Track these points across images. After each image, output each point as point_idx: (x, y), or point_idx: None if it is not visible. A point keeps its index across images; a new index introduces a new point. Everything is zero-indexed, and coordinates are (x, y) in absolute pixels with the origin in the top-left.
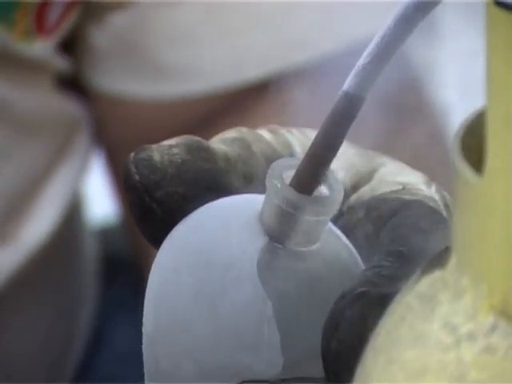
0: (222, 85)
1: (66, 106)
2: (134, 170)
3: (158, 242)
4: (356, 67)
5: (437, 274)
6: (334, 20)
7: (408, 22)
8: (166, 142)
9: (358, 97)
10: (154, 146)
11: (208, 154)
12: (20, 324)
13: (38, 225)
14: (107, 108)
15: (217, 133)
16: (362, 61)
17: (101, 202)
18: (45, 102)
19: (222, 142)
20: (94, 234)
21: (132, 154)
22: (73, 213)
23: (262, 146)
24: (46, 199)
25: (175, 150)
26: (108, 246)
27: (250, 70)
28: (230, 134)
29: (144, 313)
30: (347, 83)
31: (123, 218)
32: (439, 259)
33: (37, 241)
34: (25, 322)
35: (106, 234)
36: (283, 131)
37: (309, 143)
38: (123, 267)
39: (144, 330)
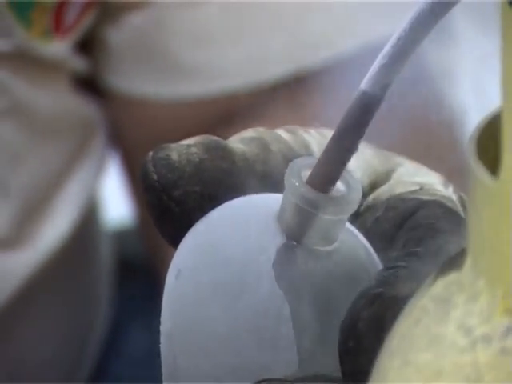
0: (241, 85)
1: (83, 107)
2: (152, 169)
3: (176, 241)
4: (373, 67)
5: (452, 276)
6: (352, 19)
7: (425, 22)
8: (185, 142)
9: (376, 96)
10: (172, 145)
11: (226, 153)
12: (36, 325)
13: (55, 227)
14: (124, 109)
15: (235, 132)
16: (379, 60)
17: (117, 203)
18: (61, 102)
19: (240, 141)
20: (110, 235)
21: (150, 153)
22: (89, 215)
23: (280, 146)
24: (62, 201)
25: (193, 149)
26: (124, 248)
27: (269, 70)
28: (248, 133)
29: (162, 311)
30: (365, 82)
31: (139, 220)
32: (455, 261)
33: (54, 243)
34: (41, 322)
35: (121, 236)
36: (301, 131)
37: (326, 143)
38: (139, 269)
39: (162, 328)
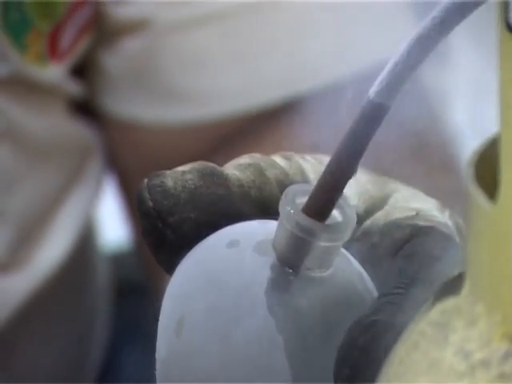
0: (236, 110)
1: (79, 131)
2: (147, 195)
3: (171, 267)
4: (381, 75)
5: (450, 301)
6: (347, 45)
7: (433, 34)
8: (180, 168)
9: (383, 105)
10: (167, 172)
11: (221, 179)
12: (33, 348)
13: (51, 250)
14: (120, 133)
15: (231, 158)
16: (386, 70)
17: (113, 227)
18: (57, 126)
19: (235, 167)
20: (107, 258)
21: (145, 180)
22: (86, 238)
23: (276, 172)
24: (59, 224)
25: (188, 176)
26: (120, 270)
27: (264, 95)
28: (244, 159)
29: (157, 338)
30: (372, 92)
31: (136, 243)
32: (452, 286)
33: (50, 265)
34: (38, 345)
35: (118, 259)
36: (297, 157)
37: (322, 169)
38: (135, 292)
39: (157, 355)
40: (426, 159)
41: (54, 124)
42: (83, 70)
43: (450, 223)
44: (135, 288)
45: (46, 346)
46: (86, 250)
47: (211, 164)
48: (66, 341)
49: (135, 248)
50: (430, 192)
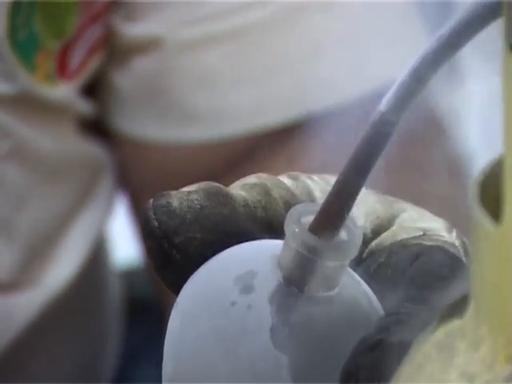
0: (247, 129)
1: (90, 150)
2: (152, 216)
3: (177, 287)
4: (390, 91)
5: (455, 323)
6: (358, 65)
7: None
8: (185, 189)
9: (392, 121)
10: (172, 192)
11: (227, 199)
12: (45, 365)
13: (63, 267)
14: (130, 152)
15: (241, 177)
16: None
17: (124, 244)
18: (68, 145)
19: (241, 187)
20: (118, 276)
21: (151, 201)
22: (97, 255)
23: (282, 192)
24: (70, 242)
25: (194, 196)
26: (132, 288)
27: (274, 115)
28: (250, 179)
29: (164, 356)
30: (382, 105)
31: (146, 261)
32: (458, 307)
33: (61, 283)
34: (50, 363)
35: (129, 276)
36: (303, 177)
37: (329, 189)
38: (146, 309)
39: (164, 372)
40: (435, 179)
41: (64, 143)
42: (94, 89)
43: (457, 243)
44: (146, 305)
45: (58, 364)
46: (97, 267)
47: (217, 184)
48: (78, 358)
49: (146, 265)
50: (436, 211)
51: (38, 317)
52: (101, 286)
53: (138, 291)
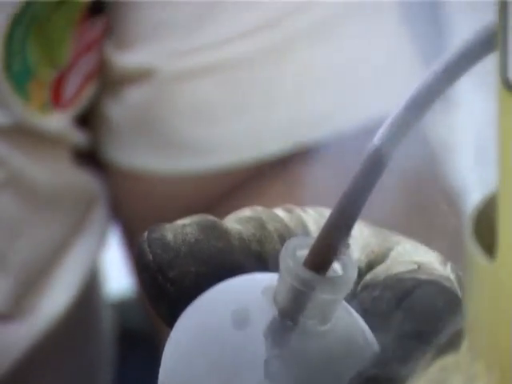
0: (240, 160)
1: (83, 180)
2: (147, 249)
3: (171, 320)
4: (385, 124)
5: (450, 357)
6: (353, 97)
7: (434, 88)
8: (180, 221)
9: (386, 153)
10: (167, 226)
11: (221, 232)
12: None
13: (56, 298)
14: (123, 182)
15: (236, 208)
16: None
17: (117, 275)
18: (61, 175)
19: (236, 220)
20: (111, 307)
21: (145, 234)
22: (90, 286)
23: (277, 225)
24: (63, 272)
25: (188, 229)
26: (124, 318)
27: (268, 146)
28: (245, 213)
29: None
30: (376, 138)
31: (140, 292)
32: (453, 342)
33: (55, 314)
34: None
35: (122, 307)
36: (298, 210)
37: (323, 222)
38: (140, 340)
39: None
40: (429, 211)
41: (58, 172)
42: (87, 119)
43: (451, 277)
44: (139, 336)
45: None
46: (91, 298)
47: (211, 217)
48: None
49: (139, 296)
50: (431, 243)
51: (31, 347)
52: (94, 317)
53: (131, 322)
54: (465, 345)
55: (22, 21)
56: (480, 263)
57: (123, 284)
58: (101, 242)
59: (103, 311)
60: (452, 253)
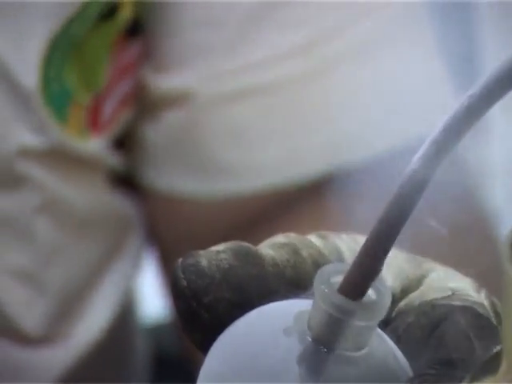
0: (275, 184)
1: (120, 204)
2: (181, 275)
3: (205, 346)
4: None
5: (488, 381)
6: (389, 120)
7: (471, 111)
8: (214, 248)
9: (424, 178)
10: (201, 252)
11: (256, 259)
12: None
13: (91, 322)
14: (159, 205)
15: (269, 232)
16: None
17: (152, 299)
18: (97, 198)
19: (270, 247)
20: (146, 331)
21: (180, 260)
22: (125, 310)
23: (311, 251)
24: (98, 297)
25: (223, 256)
26: (159, 343)
27: (303, 170)
28: (279, 239)
29: None
30: (413, 163)
31: (174, 317)
32: (490, 365)
33: (90, 338)
34: None
35: (157, 332)
36: (332, 236)
37: (358, 248)
38: (174, 365)
39: None
40: (464, 236)
41: (94, 196)
42: (124, 142)
43: (485, 303)
44: (173, 361)
45: None
46: (125, 322)
47: (245, 243)
48: None
49: (173, 321)
50: (466, 269)
51: (65, 371)
52: (128, 341)
53: (165, 346)
54: (503, 367)
55: (59, 45)
56: None
57: (158, 308)
58: (136, 266)
59: (137, 336)
60: (487, 279)
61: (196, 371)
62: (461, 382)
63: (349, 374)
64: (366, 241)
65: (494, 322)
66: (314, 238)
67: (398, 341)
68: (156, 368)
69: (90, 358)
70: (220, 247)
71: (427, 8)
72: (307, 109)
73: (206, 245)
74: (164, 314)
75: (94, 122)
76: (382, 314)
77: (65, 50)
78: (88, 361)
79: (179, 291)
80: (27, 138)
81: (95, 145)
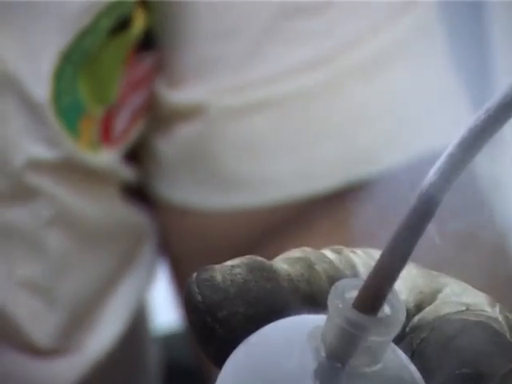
0: (289, 197)
1: (132, 216)
2: (196, 290)
3: (219, 361)
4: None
5: None
6: (403, 132)
7: (489, 125)
8: (229, 262)
9: (436, 197)
10: (216, 266)
11: (270, 273)
12: None
13: (103, 334)
14: (172, 218)
15: (283, 245)
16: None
17: (164, 309)
18: (110, 211)
19: (285, 261)
20: (158, 342)
21: (194, 275)
22: (137, 322)
23: (325, 266)
24: (111, 308)
25: (237, 270)
26: (171, 354)
27: (317, 183)
28: (294, 253)
29: None
30: (425, 182)
31: (187, 330)
32: (505, 381)
33: (102, 349)
34: None
35: (169, 342)
36: (347, 251)
37: (373, 263)
38: (185, 375)
39: None
40: (478, 250)
41: (106, 209)
42: (137, 155)
43: (500, 318)
44: (186, 371)
45: None
46: (138, 333)
47: (260, 258)
48: None
49: (186, 332)
50: (480, 283)
51: (78, 382)
52: (140, 352)
53: (177, 357)
54: None
55: (71, 58)
56: None
57: (170, 319)
58: (148, 278)
59: (150, 346)
60: (501, 293)
61: (207, 381)
62: None
63: None
64: (381, 255)
65: (509, 337)
66: (328, 253)
67: (412, 356)
68: (167, 378)
69: (102, 368)
70: (234, 262)
71: (440, 20)
72: (320, 122)
73: (219, 257)
74: (176, 325)
75: (106, 135)
76: (396, 330)
77: (77, 62)
78: (100, 371)
79: (194, 306)
80: (39, 150)
81: (107, 157)
